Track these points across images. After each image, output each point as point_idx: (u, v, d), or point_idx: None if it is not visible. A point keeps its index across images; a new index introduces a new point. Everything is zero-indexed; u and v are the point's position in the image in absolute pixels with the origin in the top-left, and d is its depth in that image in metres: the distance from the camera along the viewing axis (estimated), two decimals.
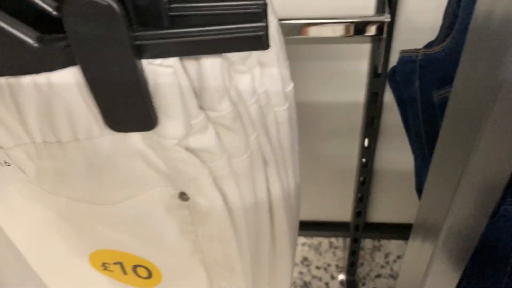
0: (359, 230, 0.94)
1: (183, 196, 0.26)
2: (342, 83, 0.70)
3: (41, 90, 0.21)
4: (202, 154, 0.24)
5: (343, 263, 1.17)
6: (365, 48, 0.66)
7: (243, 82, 0.24)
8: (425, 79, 0.53)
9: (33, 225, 0.30)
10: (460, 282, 0.35)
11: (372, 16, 0.58)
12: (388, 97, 0.71)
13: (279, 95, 0.27)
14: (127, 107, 0.21)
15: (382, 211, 0.97)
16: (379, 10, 0.59)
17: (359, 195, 0.85)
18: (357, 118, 0.75)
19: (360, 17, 0.56)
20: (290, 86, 0.28)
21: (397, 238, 1.08)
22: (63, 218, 0.28)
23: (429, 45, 0.54)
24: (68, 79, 0.21)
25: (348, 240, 1.07)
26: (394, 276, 1.15)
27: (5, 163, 0.25)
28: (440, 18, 0.51)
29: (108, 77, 0.21)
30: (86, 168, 0.24)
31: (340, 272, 1.17)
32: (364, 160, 0.78)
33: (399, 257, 1.16)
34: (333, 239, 1.23)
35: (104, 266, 0.32)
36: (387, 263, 1.18)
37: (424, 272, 0.35)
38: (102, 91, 0.21)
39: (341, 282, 1.14)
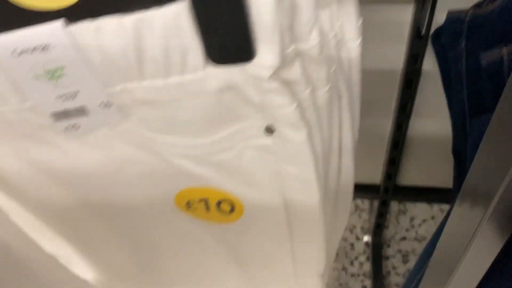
0: (389, 192, 0.96)
1: (269, 129, 0.29)
2: (381, 43, 0.71)
3: (151, 26, 0.23)
4: (290, 85, 0.26)
5: (368, 225, 1.20)
6: (408, 9, 0.67)
7: (324, 16, 0.26)
8: (473, 40, 0.54)
9: (119, 168, 0.33)
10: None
11: None
12: (426, 60, 0.72)
13: (353, 30, 0.28)
14: (230, 38, 0.23)
15: (410, 174, 1.00)
16: None
17: (391, 158, 0.87)
18: (395, 80, 0.77)
19: None
20: (360, 21, 0.29)
21: (423, 201, 1.11)
22: (157, 157, 0.31)
23: (478, 5, 0.55)
24: (177, 12, 0.22)
25: (375, 202, 1.10)
26: (419, 239, 1.18)
27: (106, 104, 0.27)
28: None
29: (214, 8, 0.22)
30: (187, 105, 0.27)
31: (365, 233, 1.20)
32: (398, 122, 0.79)
33: (424, 220, 1.19)
34: (358, 201, 1.26)
35: (189, 205, 0.35)
36: (412, 226, 1.21)
37: (470, 239, 0.36)
38: (208, 22, 0.23)
39: (366, 243, 1.18)
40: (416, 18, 0.65)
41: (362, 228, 1.22)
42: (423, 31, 0.64)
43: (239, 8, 0.22)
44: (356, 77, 0.30)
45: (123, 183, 0.34)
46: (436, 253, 0.45)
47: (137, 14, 0.23)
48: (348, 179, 0.35)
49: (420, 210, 1.23)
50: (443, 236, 0.43)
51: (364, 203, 1.27)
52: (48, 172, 0.32)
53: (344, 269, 1.15)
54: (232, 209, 0.35)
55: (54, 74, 0.25)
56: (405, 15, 0.68)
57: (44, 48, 0.23)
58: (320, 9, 0.25)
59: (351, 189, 0.36)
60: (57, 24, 0.23)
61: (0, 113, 0.27)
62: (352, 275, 1.14)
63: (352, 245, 1.19)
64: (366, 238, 1.19)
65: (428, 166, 0.95)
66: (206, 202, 0.34)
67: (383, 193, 0.97)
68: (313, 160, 0.29)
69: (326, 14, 0.26)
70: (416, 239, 1.20)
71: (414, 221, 1.21)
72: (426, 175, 0.98)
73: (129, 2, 0.23)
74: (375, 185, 1.01)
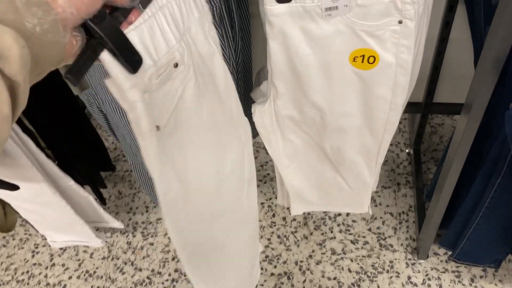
0: (428, 107, 1.39)
1: (400, 21, 0.71)
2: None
3: None
4: (413, 3, 0.70)
5: (409, 142, 1.63)
6: None
7: None
8: None
9: (336, 32, 0.76)
10: None
11: None
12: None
13: None
14: None
15: (444, 94, 1.40)
16: None
17: (432, 78, 1.29)
18: (437, 22, 1.19)
19: None
20: None
21: (454, 113, 1.52)
22: (352, 30, 0.74)
23: None
24: None
25: (416, 118, 1.52)
26: None
27: (346, 5, 0.71)
28: None
29: None
30: (375, 8, 0.70)
31: (407, 147, 1.63)
32: (438, 51, 1.22)
33: (450, 138, 1.62)
34: (400, 125, 1.69)
35: (354, 59, 0.78)
36: (441, 142, 1.63)
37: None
38: None
39: (408, 153, 1.61)
40: None
41: (404, 144, 1.65)
42: None
43: None
44: (430, 8, 0.74)
45: (333, 41, 0.77)
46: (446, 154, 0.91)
47: None
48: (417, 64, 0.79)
49: (447, 130, 1.65)
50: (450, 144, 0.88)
51: (405, 127, 1.70)
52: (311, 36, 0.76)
53: (393, 170, 1.59)
54: (374, 61, 0.78)
55: None
56: None
57: None
58: None
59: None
60: None
61: (302, 6, 0.71)
62: (399, 174, 1.58)
63: (397, 155, 1.62)
64: (408, 150, 1.62)
65: (458, 86, 1.36)
66: (363, 57, 0.77)
67: (424, 107, 1.39)
68: (414, 37, 0.73)
69: None
70: (443, 150, 1.61)
71: (443, 138, 1.64)
72: (455, 93, 1.39)
73: None
74: (417, 102, 1.42)
